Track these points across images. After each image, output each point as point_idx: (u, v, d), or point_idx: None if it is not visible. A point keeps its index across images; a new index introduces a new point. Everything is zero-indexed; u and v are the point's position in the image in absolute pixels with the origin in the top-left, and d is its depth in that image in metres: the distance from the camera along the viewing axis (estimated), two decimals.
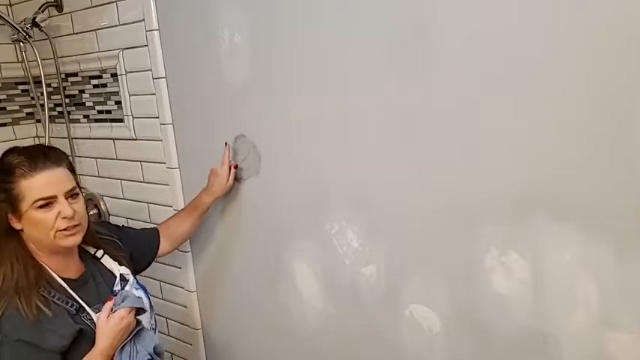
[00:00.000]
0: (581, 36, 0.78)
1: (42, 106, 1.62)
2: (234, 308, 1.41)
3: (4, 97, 1.70)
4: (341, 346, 1.20)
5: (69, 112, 1.67)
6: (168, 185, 1.45)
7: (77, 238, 1.03)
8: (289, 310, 1.28)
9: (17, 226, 1.01)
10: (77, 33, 1.54)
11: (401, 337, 1.09)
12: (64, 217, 0.99)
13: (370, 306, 1.12)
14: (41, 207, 0.98)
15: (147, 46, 1.36)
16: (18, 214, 0.99)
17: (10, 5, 1.68)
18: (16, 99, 1.73)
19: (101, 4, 1.43)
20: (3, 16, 1.52)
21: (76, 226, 1.02)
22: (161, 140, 1.42)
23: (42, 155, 1.01)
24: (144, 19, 1.34)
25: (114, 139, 1.55)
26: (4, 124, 1.70)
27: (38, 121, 1.77)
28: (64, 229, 1.00)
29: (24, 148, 1.03)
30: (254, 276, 1.33)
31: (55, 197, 0.99)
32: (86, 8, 1.48)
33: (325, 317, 1.21)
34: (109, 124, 1.56)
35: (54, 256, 1.04)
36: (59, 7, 1.55)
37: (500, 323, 0.95)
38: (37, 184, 0.98)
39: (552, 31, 0.80)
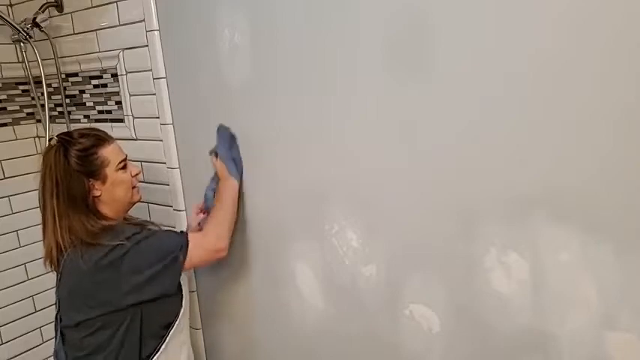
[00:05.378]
0: (584, 37, 0.78)
1: (42, 106, 1.62)
2: (234, 308, 1.41)
3: (5, 97, 1.70)
4: (341, 345, 1.20)
5: (69, 112, 1.67)
6: (168, 185, 1.45)
7: (141, 194, 1.26)
8: (289, 310, 1.28)
9: (97, 192, 1.16)
10: (77, 33, 1.54)
11: (401, 336, 1.09)
12: (135, 175, 1.23)
13: (370, 306, 1.12)
14: (122, 168, 1.19)
15: (147, 46, 1.36)
16: (103, 179, 1.15)
17: (11, 5, 1.68)
18: (17, 99, 1.73)
19: (101, 5, 1.43)
20: (3, 16, 1.52)
21: (138, 183, 1.25)
22: (161, 140, 1.42)
23: (101, 132, 1.20)
24: (144, 20, 1.34)
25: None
26: (5, 124, 1.70)
27: (39, 121, 1.77)
28: (136, 186, 1.23)
29: (80, 132, 1.18)
30: (254, 276, 1.33)
31: (126, 159, 1.21)
32: (86, 8, 1.48)
33: (325, 317, 1.21)
34: (109, 124, 1.56)
35: (118, 218, 1.21)
36: (59, 8, 1.55)
37: (500, 323, 0.95)
38: (113, 150, 1.18)
39: (553, 31, 0.80)
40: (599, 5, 0.75)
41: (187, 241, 1.16)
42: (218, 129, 1.27)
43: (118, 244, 1.09)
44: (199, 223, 1.30)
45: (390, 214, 1.05)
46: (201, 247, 1.17)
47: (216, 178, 1.29)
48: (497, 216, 0.91)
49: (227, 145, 1.25)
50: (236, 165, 1.25)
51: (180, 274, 1.18)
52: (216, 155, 1.27)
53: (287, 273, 1.25)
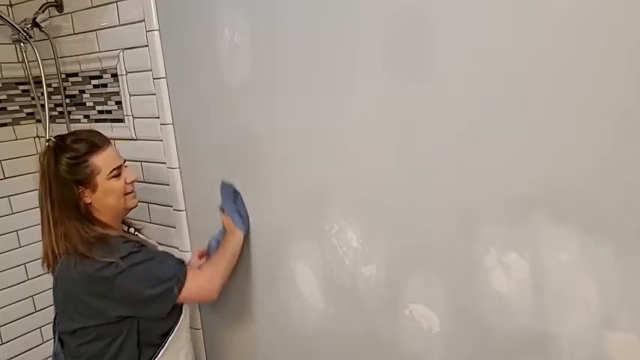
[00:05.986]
0: (584, 37, 0.78)
1: (42, 106, 1.62)
2: (234, 308, 1.41)
3: (5, 97, 1.70)
4: (341, 345, 1.20)
5: (69, 112, 1.67)
6: (168, 185, 1.45)
7: (137, 199, 1.25)
8: (289, 310, 1.28)
9: (88, 200, 1.14)
10: (77, 33, 1.54)
11: (401, 336, 1.09)
12: (130, 182, 1.20)
13: (370, 306, 1.12)
14: (114, 176, 1.16)
15: (147, 46, 1.36)
16: (93, 188, 1.13)
17: (11, 5, 1.68)
18: (17, 99, 1.73)
19: (101, 5, 1.43)
20: (3, 16, 1.52)
21: (133, 189, 1.23)
22: (161, 140, 1.42)
23: (98, 136, 1.18)
24: (144, 20, 1.34)
25: (114, 139, 1.54)
26: (5, 124, 1.70)
27: (39, 121, 1.77)
28: (131, 192, 1.21)
29: (75, 135, 1.17)
30: (254, 276, 1.33)
31: (120, 166, 1.18)
32: (86, 8, 1.48)
33: (325, 317, 1.21)
34: (109, 124, 1.57)
35: (114, 224, 1.19)
36: (59, 8, 1.55)
37: (500, 323, 0.95)
38: (107, 157, 1.15)
39: (553, 31, 0.80)
40: (599, 5, 0.75)
41: (185, 273, 1.13)
42: (221, 185, 1.29)
43: (112, 262, 1.07)
44: (199, 267, 1.27)
45: (390, 214, 1.05)
46: (194, 283, 1.14)
47: (223, 231, 1.31)
48: (497, 216, 0.91)
49: (231, 199, 1.27)
50: (241, 217, 1.26)
51: (173, 305, 1.14)
52: (222, 211, 1.29)
53: (287, 273, 1.25)
